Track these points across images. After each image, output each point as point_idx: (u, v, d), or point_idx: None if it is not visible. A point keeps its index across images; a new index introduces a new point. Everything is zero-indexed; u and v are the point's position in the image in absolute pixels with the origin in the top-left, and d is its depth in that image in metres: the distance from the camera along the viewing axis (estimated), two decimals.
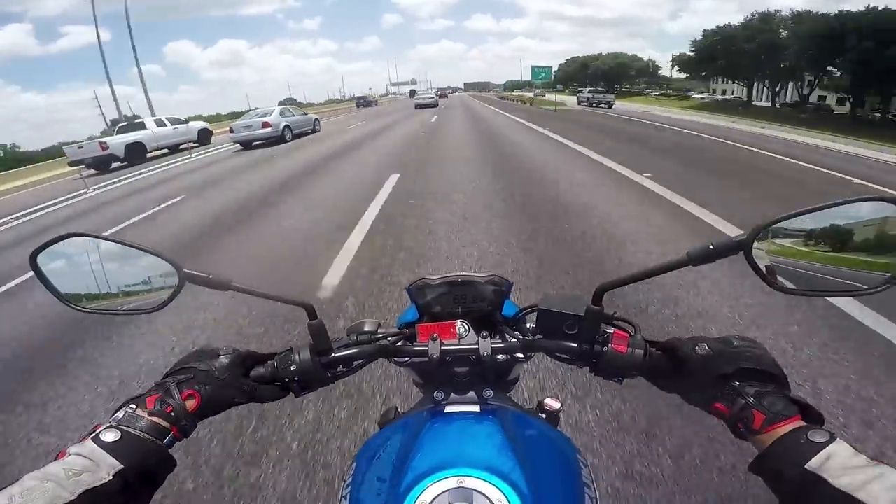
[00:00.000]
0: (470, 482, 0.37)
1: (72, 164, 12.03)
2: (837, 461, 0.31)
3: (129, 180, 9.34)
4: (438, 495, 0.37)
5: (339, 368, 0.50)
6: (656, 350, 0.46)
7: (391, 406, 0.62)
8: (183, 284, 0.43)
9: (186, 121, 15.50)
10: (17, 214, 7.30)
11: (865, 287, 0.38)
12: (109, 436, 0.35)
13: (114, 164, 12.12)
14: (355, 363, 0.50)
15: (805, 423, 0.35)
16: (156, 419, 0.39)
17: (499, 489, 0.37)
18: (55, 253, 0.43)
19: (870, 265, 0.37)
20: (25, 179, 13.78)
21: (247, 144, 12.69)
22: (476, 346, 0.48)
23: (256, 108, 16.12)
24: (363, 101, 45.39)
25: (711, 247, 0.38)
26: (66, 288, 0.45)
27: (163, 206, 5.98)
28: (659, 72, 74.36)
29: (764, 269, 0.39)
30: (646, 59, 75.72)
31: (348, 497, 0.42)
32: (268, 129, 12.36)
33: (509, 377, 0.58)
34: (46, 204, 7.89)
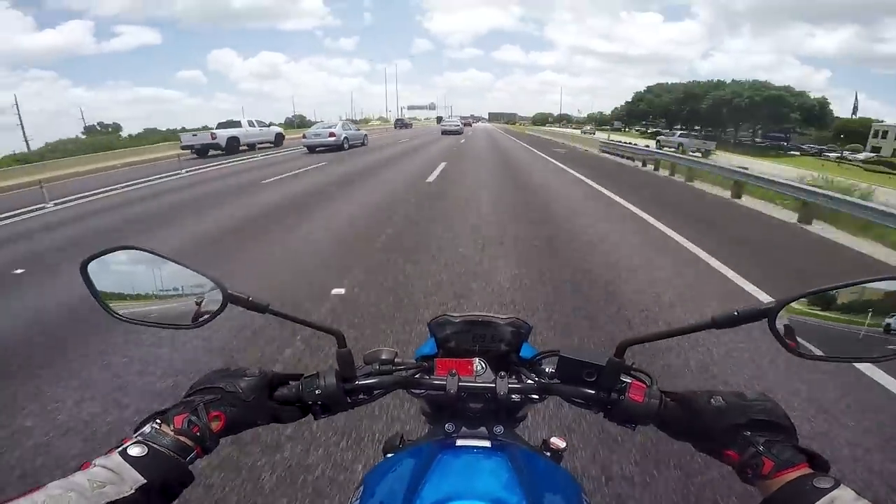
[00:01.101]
0: None
1: (183, 147, 15.99)
2: None
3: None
4: None
5: (360, 396, 0.51)
6: (670, 400, 0.47)
7: (396, 433, 0.62)
8: (226, 305, 0.45)
9: (269, 125, 19.69)
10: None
11: (880, 355, 0.41)
12: (136, 451, 0.36)
13: (211, 152, 16.00)
14: (375, 392, 0.52)
15: (812, 471, 0.37)
16: (182, 438, 0.40)
17: None
18: (106, 262, 0.45)
19: (888, 332, 0.39)
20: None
21: (311, 149, 15.88)
22: (493, 385, 0.50)
23: (321, 121, 20.62)
24: (401, 123, 52.32)
25: (736, 313, 0.40)
26: (113, 297, 0.46)
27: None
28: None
29: (783, 334, 0.41)
30: (814, 94, 47.27)
31: None
32: (332, 138, 15.89)
33: (518, 415, 0.58)
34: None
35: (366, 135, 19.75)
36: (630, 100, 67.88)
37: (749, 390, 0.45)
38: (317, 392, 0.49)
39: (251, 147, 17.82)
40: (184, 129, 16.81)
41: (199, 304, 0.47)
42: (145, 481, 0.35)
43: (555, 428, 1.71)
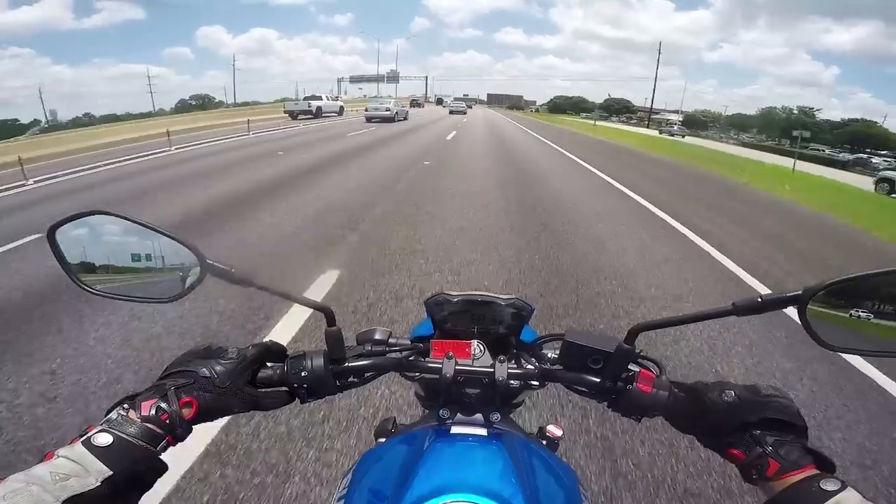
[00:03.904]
0: None
1: (286, 112, 23.41)
2: None
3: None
4: None
5: (350, 379, 0.49)
6: (679, 392, 0.46)
7: (389, 417, 0.61)
8: (204, 277, 0.42)
9: (337, 98, 27.25)
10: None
11: None
12: (101, 440, 0.34)
13: (301, 117, 22.99)
14: (367, 375, 0.49)
15: (818, 472, 0.36)
16: (150, 426, 0.37)
17: None
18: (75, 229, 0.42)
19: None
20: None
21: (370, 119, 21.16)
22: (491, 370, 0.48)
23: (377, 97, 27.85)
24: (416, 103, 57.89)
25: (760, 299, 0.38)
26: (82, 268, 0.43)
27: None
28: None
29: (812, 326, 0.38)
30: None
31: None
32: (387, 112, 21.50)
33: (514, 400, 0.56)
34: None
35: (408, 111, 26.09)
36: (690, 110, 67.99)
37: (764, 383, 0.43)
38: (303, 374, 0.46)
39: (316, 115, 23.32)
40: (286, 99, 24.89)
41: (175, 275, 0.43)
42: (111, 473, 0.33)
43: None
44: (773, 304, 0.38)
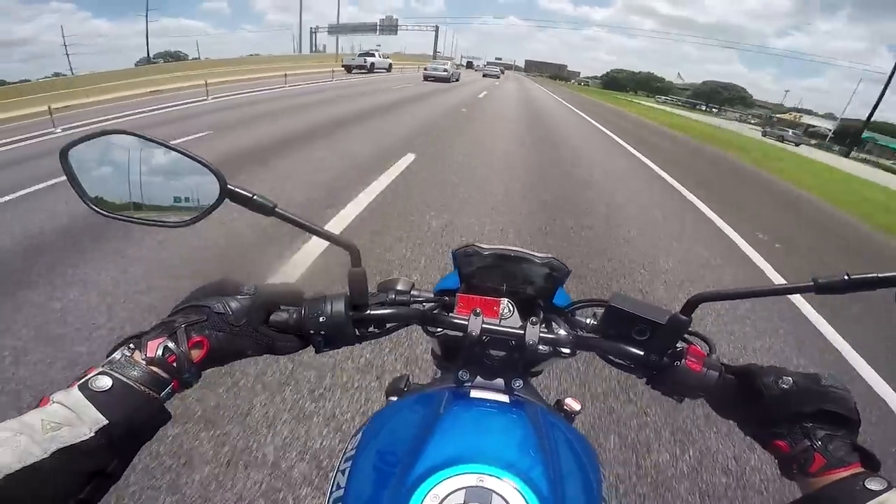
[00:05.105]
0: (491, 482, 0.34)
1: (343, 65, 25.19)
2: None
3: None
4: (454, 492, 0.33)
5: (371, 328, 0.45)
6: (729, 374, 0.43)
7: (402, 375, 0.58)
8: (223, 200, 0.39)
9: (386, 57, 28.75)
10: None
11: None
12: (99, 383, 0.31)
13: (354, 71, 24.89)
14: (388, 325, 0.46)
15: (863, 470, 0.35)
16: (155, 369, 0.34)
17: (521, 495, 0.34)
18: (90, 150, 0.39)
19: None
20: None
21: (426, 77, 23.82)
22: (521, 332, 0.44)
23: (438, 57, 29.96)
24: (471, 65, 58.32)
25: (847, 277, 0.34)
26: (96, 190, 0.40)
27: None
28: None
29: None
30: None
31: (347, 473, 0.39)
32: (445, 73, 23.86)
33: (535, 369, 0.53)
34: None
35: (460, 73, 28.12)
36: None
37: (825, 374, 0.40)
38: (321, 320, 0.42)
39: (370, 70, 25.60)
40: (344, 54, 26.20)
41: (193, 198, 0.41)
42: (107, 422, 0.30)
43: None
44: (861, 285, 0.34)
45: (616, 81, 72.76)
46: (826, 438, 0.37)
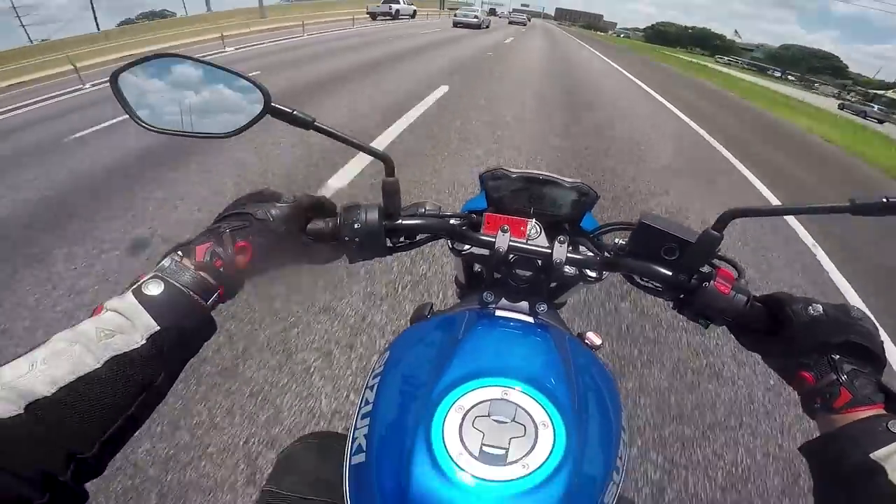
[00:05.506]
0: (515, 396, 0.34)
1: (368, 13, 24.20)
2: None
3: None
4: (478, 403, 0.34)
5: (402, 240, 0.47)
6: (757, 302, 0.42)
7: (426, 303, 0.58)
8: (264, 115, 0.40)
9: (410, 3, 27.50)
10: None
11: None
12: (152, 288, 0.32)
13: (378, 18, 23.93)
14: (418, 237, 0.47)
15: (886, 413, 0.34)
16: (203, 274, 0.35)
17: (545, 410, 0.34)
18: (138, 75, 0.42)
19: None
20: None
21: (456, 24, 23.12)
22: (548, 251, 0.44)
23: (466, 7, 27.55)
24: (493, 12, 55.33)
25: (885, 199, 0.33)
26: (145, 109, 0.43)
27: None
28: None
29: None
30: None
31: (375, 389, 0.40)
32: (475, 20, 23.21)
33: (558, 299, 0.54)
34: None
35: (490, 20, 27.05)
36: None
37: (854, 307, 0.39)
38: (356, 227, 0.43)
39: (394, 17, 24.67)
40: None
41: (236, 112, 0.42)
42: (158, 328, 0.31)
43: None
44: None
45: (663, 36, 63.22)
46: (853, 373, 0.36)
